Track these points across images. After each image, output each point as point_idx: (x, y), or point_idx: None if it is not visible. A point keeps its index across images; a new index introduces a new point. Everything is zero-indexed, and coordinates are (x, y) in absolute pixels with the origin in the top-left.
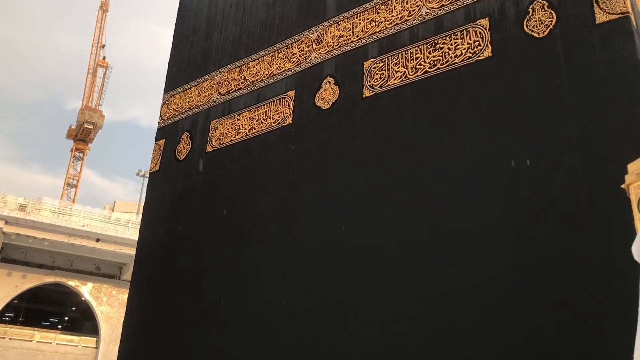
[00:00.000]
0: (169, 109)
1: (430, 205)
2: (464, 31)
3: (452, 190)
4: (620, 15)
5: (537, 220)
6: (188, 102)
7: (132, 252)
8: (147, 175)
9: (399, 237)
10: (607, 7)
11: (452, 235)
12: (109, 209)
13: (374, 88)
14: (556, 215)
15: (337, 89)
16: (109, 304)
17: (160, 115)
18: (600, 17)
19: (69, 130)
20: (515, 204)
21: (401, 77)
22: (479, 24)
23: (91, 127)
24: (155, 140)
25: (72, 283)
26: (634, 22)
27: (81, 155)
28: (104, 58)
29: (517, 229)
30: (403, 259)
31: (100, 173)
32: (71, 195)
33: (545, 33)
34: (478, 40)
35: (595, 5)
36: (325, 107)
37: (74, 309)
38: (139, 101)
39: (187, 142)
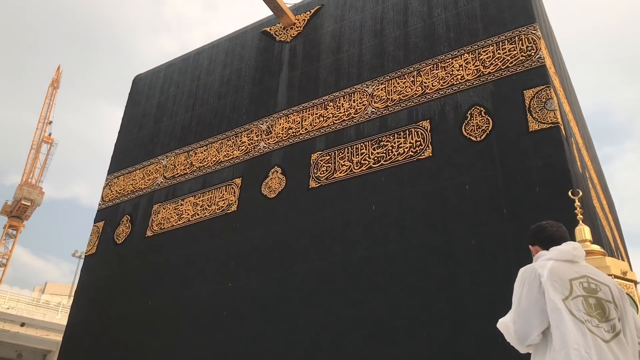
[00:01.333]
0: (111, 191)
1: (372, 299)
2: (407, 131)
3: (393, 285)
4: (551, 125)
5: (474, 315)
6: (131, 184)
7: (60, 338)
8: (83, 256)
9: (340, 330)
10: (539, 117)
11: (393, 329)
12: (39, 290)
13: (320, 180)
14: (492, 312)
15: (284, 179)
16: None
17: (102, 197)
18: (533, 126)
19: (4, 206)
20: (452, 300)
21: (347, 170)
22: (420, 125)
23: (29, 204)
24: (94, 222)
25: None
26: (563, 132)
27: (14, 232)
28: (50, 134)
29: (455, 322)
30: (343, 353)
31: (33, 252)
32: None
33: (482, 137)
34: (420, 140)
35: (528, 114)
36: (271, 195)
37: None
38: (81, 180)
39: (127, 225)
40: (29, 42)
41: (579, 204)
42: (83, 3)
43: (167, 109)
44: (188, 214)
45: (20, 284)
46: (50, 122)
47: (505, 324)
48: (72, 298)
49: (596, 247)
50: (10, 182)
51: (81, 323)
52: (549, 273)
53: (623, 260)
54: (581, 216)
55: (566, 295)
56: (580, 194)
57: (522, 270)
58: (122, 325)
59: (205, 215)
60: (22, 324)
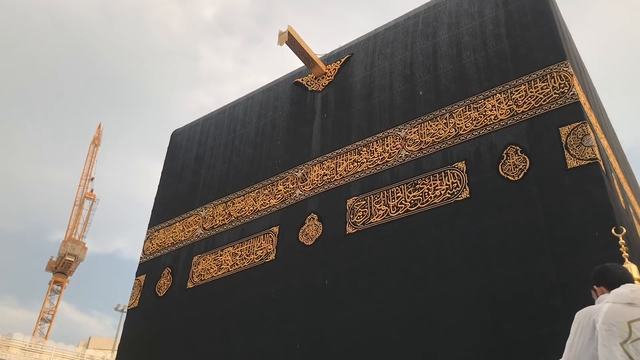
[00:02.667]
0: (152, 244)
1: (415, 344)
2: (442, 173)
3: (436, 329)
4: (590, 161)
5: (522, 359)
6: (172, 237)
7: None
8: (126, 310)
9: None
10: (577, 154)
11: None
12: (84, 345)
13: (356, 225)
14: (541, 355)
15: (321, 226)
16: None
17: (143, 250)
18: (571, 163)
19: (50, 262)
20: (499, 343)
21: (383, 215)
22: (456, 166)
23: (72, 260)
24: (136, 276)
25: None
26: (603, 168)
27: (59, 288)
28: (92, 190)
29: None
30: None
31: (77, 307)
32: (44, 331)
33: (520, 176)
34: (456, 182)
35: (565, 151)
36: (309, 243)
37: None
38: (123, 234)
39: (168, 277)
40: (71, 101)
41: (623, 241)
42: (122, 63)
43: (205, 161)
44: (227, 265)
45: (65, 339)
46: (92, 179)
47: None
48: (115, 352)
49: None
50: (54, 239)
51: None
52: (605, 317)
53: None
54: (627, 254)
55: (625, 339)
56: (624, 231)
57: (578, 314)
58: None
59: (245, 265)
60: None
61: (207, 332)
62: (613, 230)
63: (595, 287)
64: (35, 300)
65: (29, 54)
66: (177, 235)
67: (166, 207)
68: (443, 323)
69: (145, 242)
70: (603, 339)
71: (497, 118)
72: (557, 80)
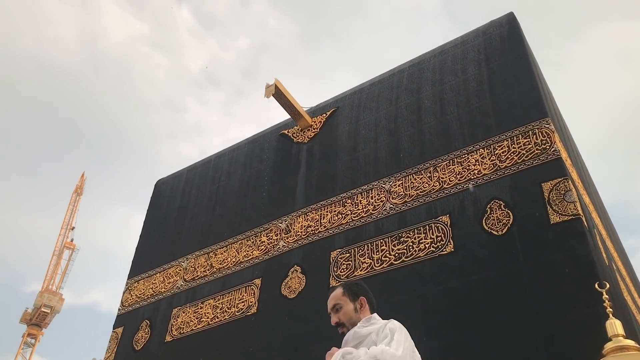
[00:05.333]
0: (131, 295)
1: None
2: (427, 226)
3: None
4: (572, 217)
5: None
6: (151, 288)
7: None
8: None
9: None
10: (560, 209)
11: None
12: None
13: (340, 278)
14: None
15: (304, 278)
16: None
17: (122, 302)
18: (554, 218)
19: (24, 314)
20: None
21: (367, 268)
22: (440, 220)
23: (48, 311)
24: (113, 328)
25: None
26: (585, 224)
27: (33, 341)
28: (72, 240)
29: None
30: None
31: None
32: None
33: (504, 231)
34: (440, 236)
35: (548, 206)
36: (292, 296)
37: None
38: (101, 285)
39: (146, 330)
40: (54, 150)
41: (607, 296)
42: (107, 113)
43: (188, 212)
44: (208, 318)
45: None
46: (73, 228)
47: (392, 355)
48: None
49: (630, 342)
50: (30, 289)
51: None
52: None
53: None
54: (611, 309)
55: None
56: (607, 286)
57: (400, 325)
58: None
59: (225, 318)
60: None
61: None
62: (596, 285)
63: (361, 297)
64: (6, 354)
65: (13, 101)
66: (157, 287)
67: (147, 258)
68: None
69: (124, 293)
70: None
71: (481, 173)
72: (539, 136)
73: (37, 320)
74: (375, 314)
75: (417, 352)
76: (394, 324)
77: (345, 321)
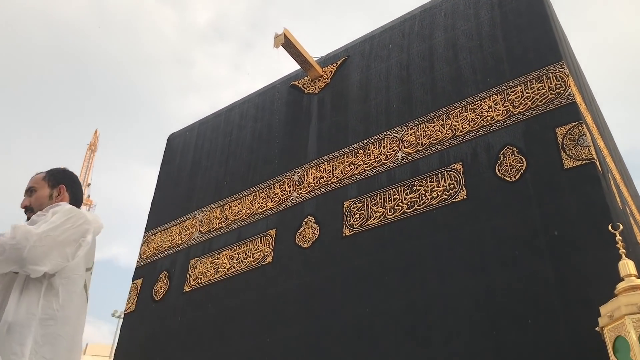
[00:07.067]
0: (149, 248)
1: (411, 345)
2: (439, 174)
3: (432, 330)
4: (586, 161)
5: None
6: (168, 240)
7: None
8: (122, 316)
9: None
10: (573, 154)
11: None
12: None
13: (353, 227)
14: (538, 357)
15: (318, 228)
16: None
17: (140, 254)
18: (568, 163)
19: None
20: (496, 344)
21: (380, 217)
22: (453, 167)
23: None
24: (133, 280)
25: None
26: (599, 168)
27: None
28: (89, 196)
29: None
30: None
31: None
32: None
33: (517, 177)
34: (453, 183)
35: (562, 151)
36: (306, 245)
37: None
38: (119, 240)
39: (165, 281)
40: (66, 108)
41: (620, 237)
42: (116, 69)
43: (201, 165)
44: (224, 268)
45: None
46: (89, 185)
47: (27, 231)
48: (112, 359)
49: None
50: None
51: None
52: (92, 239)
53: None
54: (624, 250)
55: (89, 267)
56: (621, 227)
57: (72, 209)
58: None
59: (242, 268)
60: None
61: (204, 335)
62: (610, 227)
63: (59, 184)
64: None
65: (23, 60)
66: (174, 239)
67: (163, 211)
68: (440, 324)
69: (142, 246)
70: (80, 255)
71: (494, 119)
72: (553, 81)
73: None
74: (65, 203)
75: (88, 239)
76: (61, 207)
77: (35, 206)
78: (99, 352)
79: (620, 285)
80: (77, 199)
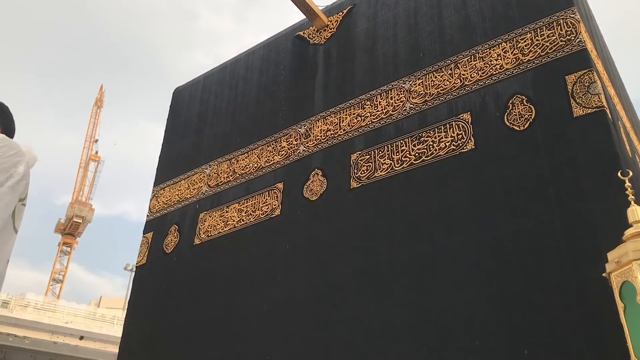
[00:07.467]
0: (158, 202)
1: (418, 296)
2: (447, 125)
3: (440, 281)
4: (596, 110)
5: (526, 309)
6: (177, 194)
7: (116, 350)
8: (134, 269)
9: (387, 328)
10: (583, 102)
11: (442, 326)
12: (95, 304)
13: (361, 180)
14: (545, 306)
15: (325, 181)
16: None
17: (149, 208)
18: (577, 111)
19: (58, 225)
20: (504, 295)
21: (387, 169)
22: (461, 117)
23: (80, 221)
24: (143, 234)
25: None
26: (609, 116)
27: (69, 249)
28: (97, 152)
29: (507, 318)
30: (393, 352)
31: (87, 268)
32: (56, 291)
33: (526, 126)
34: (461, 134)
35: (571, 99)
36: (313, 198)
37: None
38: (129, 195)
39: (175, 234)
40: (70, 63)
41: (629, 184)
42: (119, 23)
43: (207, 119)
44: (234, 221)
45: (76, 299)
46: (97, 141)
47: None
48: (125, 311)
49: None
50: (61, 202)
51: (135, 333)
52: (25, 171)
53: None
54: (633, 197)
55: (22, 199)
56: (630, 174)
57: (3, 138)
58: (175, 333)
59: (250, 221)
60: (81, 337)
61: (214, 287)
62: (619, 174)
63: None
64: (46, 262)
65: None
66: (182, 193)
67: (171, 166)
68: (447, 275)
69: (151, 200)
70: (21, 185)
71: (503, 68)
72: (564, 27)
73: (70, 230)
74: None
75: (20, 169)
76: None
77: None
78: (112, 305)
79: (629, 232)
80: (9, 130)
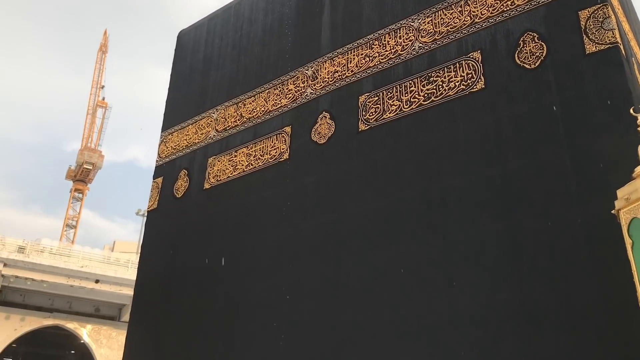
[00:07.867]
0: (167, 147)
1: (427, 235)
2: (457, 64)
3: (449, 220)
4: (610, 46)
5: (534, 246)
6: (186, 139)
7: (132, 292)
8: (146, 214)
9: (397, 268)
10: (596, 38)
11: (451, 265)
12: (109, 249)
13: (369, 122)
14: (553, 242)
15: (333, 124)
16: (109, 346)
17: (158, 154)
18: (590, 48)
19: (69, 171)
20: (512, 232)
21: (396, 110)
22: (471, 56)
23: (90, 168)
24: (153, 179)
25: (71, 325)
26: (623, 52)
27: (80, 195)
28: (103, 98)
29: (515, 256)
30: (401, 290)
31: (99, 214)
32: (70, 236)
33: (537, 64)
34: (471, 73)
35: (584, 35)
36: (322, 141)
37: (73, 352)
38: (138, 141)
39: (185, 179)
40: (74, 9)
41: None
42: None
43: (213, 63)
44: (242, 165)
45: (90, 244)
46: (103, 87)
47: None
48: (139, 255)
49: None
50: (71, 148)
51: (149, 275)
52: None
53: None
54: None
55: None
56: None
57: None
58: (187, 275)
59: (259, 165)
60: (97, 281)
61: (224, 230)
62: (631, 110)
63: None
64: (59, 208)
65: None
66: (190, 138)
67: (178, 110)
68: (456, 213)
69: (160, 145)
70: None
71: (514, 4)
72: None
73: (81, 176)
74: None
75: None
76: None
77: None
78: (126, 249)
79: (639, 169)
80: None
